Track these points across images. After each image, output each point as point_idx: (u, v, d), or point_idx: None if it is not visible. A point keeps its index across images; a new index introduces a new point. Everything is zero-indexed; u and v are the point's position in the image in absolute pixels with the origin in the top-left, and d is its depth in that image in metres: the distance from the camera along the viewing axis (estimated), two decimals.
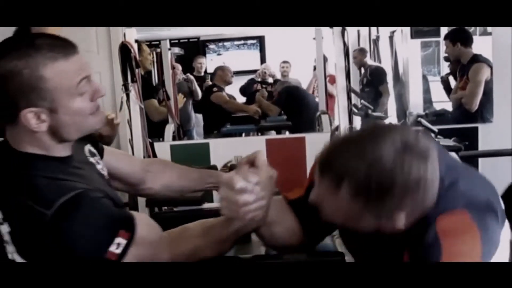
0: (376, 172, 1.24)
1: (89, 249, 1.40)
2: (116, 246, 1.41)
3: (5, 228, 1.43)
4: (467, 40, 4.66)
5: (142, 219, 1.51)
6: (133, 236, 1.44)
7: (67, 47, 1.44)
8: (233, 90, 6.62)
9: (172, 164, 2.03)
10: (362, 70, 5.51)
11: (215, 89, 6.09)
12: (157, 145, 4.01)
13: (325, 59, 5.33)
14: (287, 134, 5.49)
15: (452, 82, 4.91)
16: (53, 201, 1.37)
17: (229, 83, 6.30)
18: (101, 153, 1.71)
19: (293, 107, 5.95)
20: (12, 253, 1.46)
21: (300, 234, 1.65)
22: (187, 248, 1.55)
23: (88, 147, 1.64)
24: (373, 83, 5.46)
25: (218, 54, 7.44)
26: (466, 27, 4.74)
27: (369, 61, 5.52)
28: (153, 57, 5.00)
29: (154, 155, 3.78)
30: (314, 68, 6.42)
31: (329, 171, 1.30)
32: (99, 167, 1.64)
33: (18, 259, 1.45)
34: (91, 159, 1.63)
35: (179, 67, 5.96)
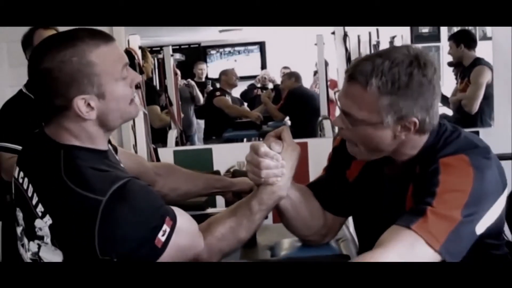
0: (398, 68, 1.49)
1: (141, 234, 1.44)
2: (163, 233, 1.46)
3: (46, 221, 1.46)
4: (471, 43, 4.67)
5: (179, 210, 1.55)
6: (175, 224, 1.49)
7: (105, 35, 1.53)
8: (235, 95, 6.63)
9: (179, 168, 2.06)
10: None
11: (217, 93, 6.09)
12: (160, 150, 4.03)
13: (326, 64, 5.35)
14: None
15: (445, 89, 4.92)
16: (106, 189, 1.41)
17: (234, 85, 6.30)
18: (115, 152, 1.75)
19: (299, 113, 5.94)
20: (39, 250, 1.49)
21: (321, 219, 1.80)
22: (220, 232, 1.60)
23: (110, 147, 1.67)
24: None
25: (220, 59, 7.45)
26: (471, 31, 4.76)
27: None
28: (154, 64, 5.02)
29: (158, 161, 3.80)
30: (315, 73, 6.43)
31: (359, 72, 1.51)
32: (122, 166, 1.67)
33: (47, 254, 1.48)
34: (116, 157, 1.67)
35: (178, 73, 5.98)
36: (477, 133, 4.27)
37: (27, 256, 1.55)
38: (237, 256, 1.82)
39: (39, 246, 1.50)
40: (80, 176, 1.44)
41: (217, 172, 3.55)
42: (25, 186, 1.52)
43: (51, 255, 1.48)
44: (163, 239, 1.45)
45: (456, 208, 1.43)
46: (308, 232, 1.81)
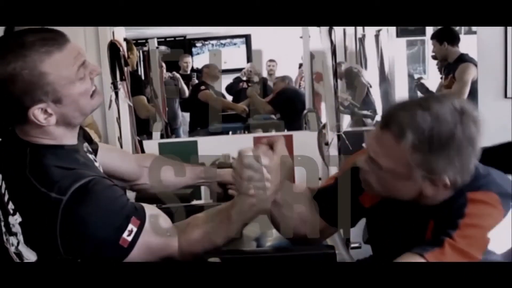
0: (438, 126, 1.39)
1: (104, 235, 1.42)
2: (128, 233, 1.43)
3: (16, 219, 1.44)
4: (454, 39, 4.68)
5: (151, 209, 1.53)
6: (143, 224, 1.46)
7: (58, 38, 1.47)
8: (220, 89, 6.61)
9: (166, 159, 2.05)
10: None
11: (202, 87, 6.07)
12: (145, 143, 4.01)
13: (312, 57, 5.34)
14: (274, 132, 5.51)
15: (431, 83, 4.94)
16: (67, 188, 1.39)
17: (216, 77, 6.25)
18: (95, 152, 1.73)
19: (288, 109, 5.95)
20: (18, 245, 1.48)
21: (311, 223, 1.73)
22: (196, 236, 1.57)
23: (86, 145, 1.66)
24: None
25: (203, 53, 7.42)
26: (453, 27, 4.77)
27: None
28: (139, 56, 4.99)
29: (143, 153, 3.78)
30: (300, 66, 6.43)
31: (394, 122, 1.41)
32: (96, 164, 1.66)
33: (25, 250, 1.46)
34: (90, 156, 1.65)
35: (163, 65, 5.95)
36: None
37: (11, 250, 1.54)
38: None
39: (18, 242, 1.51)
40: (44, 174, 1.43)
41: (203, 165, 3.55)
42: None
43: (28, 252, 1.49)
44: (129, 239, 1.44)
45: (479, 248, 1.34)
46: (295, 237, 1.75)
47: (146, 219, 1.47)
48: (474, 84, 4.45)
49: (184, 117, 6.18)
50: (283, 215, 1.69)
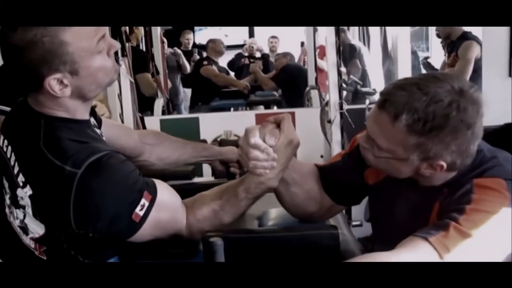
0: (434, 108, 1.33)
1: (117, 209, 1.41)
2: (141, 207, 1.43)
3: (26, 192, 1.44)
4: None
5: (162, 184, 1.52)
6: (155, 199, 1.46)
7: None
8: (222, 64, 6.59)
9: (167, 136, 2.03)
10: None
11: (205, 62, 6.04)
12: (147, 119, 4.00)
13: (315, 30, 5.32)
14: (275, 109, 5.51)
15: (434, 61, 4.92)
16: (82, 161, 1.38)
17: (221, 53, 6.25)
18: (99, 125, 1.72)
19: (291, 85, 5.94)
20: (24, 218, 1.48)
21: (318, 201, 1.70)
22: (203, 213, 1.56)
23: (92, 120, 1.65)
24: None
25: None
26: None
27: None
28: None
29: (145, 129, 3.78)
30: (302, 44, 6.41)
31: (390, 103, 1.37)
32: (104, 139, 1.65)
33: (31, 223, 1.47)
34: (98, 131, 1.64)
35: (165, 41, 5.92)
36: None
37: (15, 224, 1.54)
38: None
39: (24, 215, 1.49)
40: (58, 147, 1.42)
41: (204, 142, 3.55)
42: (8, 155, 1.50)
43: (35, 225, 1.48)
44: (141, 213, 1.43)
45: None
46: (302, 215, 1.75)
47: (157, 194, 1.48)
48: (478, 62, 4.41)
49: (185, 93, 6.17)
50: (290, 192, 1.67)
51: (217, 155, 2.02)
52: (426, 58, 5.12)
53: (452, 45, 4.73)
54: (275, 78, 6.14)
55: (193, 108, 5.92)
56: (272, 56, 6.93)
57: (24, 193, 1.45)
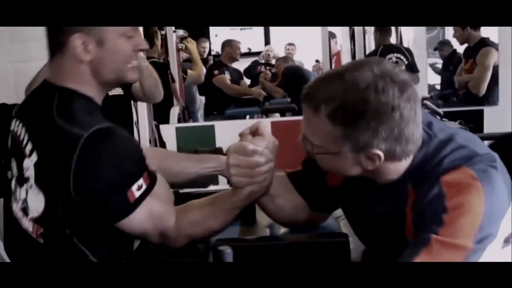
0: (351, 95, 1.27)
1: (116, 178, 1.42)
2: (138, 187, 1.43)
3: (32, 160, 1.47)
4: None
5: (161, 177, 1.53)
6: (153, 185, 1.47)
7: None
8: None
9: (170, 152, 2.04)
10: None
11: (215, 72, 5.99)
12: (162, 127, 4.01)
13: (332, 36, 5.30)
14: (291, 117, 5.49)
15: None
16: (90, 126, 1.41)
17: (235, 60, 6.19)
18: None
19: (297, 87, 5.92)
20: (27, 195, 1.50)
21: (304, 209, 1.68)
22: (193, 217, 1.57)
23: None
24: None
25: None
26: None
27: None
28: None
29: (160, 138, 3.79)
30: (317, 61, 6.43)
31: (310, 96, 1.33)
32: None
33: (32, 198, 1.49)
34: None
35: None
36: (481, 111, 4.25)
37: (17, 208, 1.55)
38: (235, 233, 1.81)
39: (27, 191, 1.51)
40: (70, 114, 1.45)
41: (220, 149, 3.54)
42: (19, 132, 1.54)
43: (36, 199, 1.49)
44: (136, 194, 1.43)
45: (468, 236, 1.24)
46: (294, 223, 1.73)
47: (156, 183, 1.49)
48: (496, 68, 4.40)
49: (201, 101, 6.17)
50: (276, 205, 1.66)
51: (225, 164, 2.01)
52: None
53: (470, 51, 4.71)
54: (279, 84, 6.14)
55: (207, 116, 5.92)
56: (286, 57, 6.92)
57: (30, 162, 1.47)
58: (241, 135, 1.56)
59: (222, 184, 2.94)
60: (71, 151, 1.38)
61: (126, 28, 1.51)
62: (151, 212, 1.47)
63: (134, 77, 1.60)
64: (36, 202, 1.49)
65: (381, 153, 1.31)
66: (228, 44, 6.18)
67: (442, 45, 5.60)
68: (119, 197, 1.42)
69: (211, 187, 2.82)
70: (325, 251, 1.47)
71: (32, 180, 1.48)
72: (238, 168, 1.53)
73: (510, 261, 1.32)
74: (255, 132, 1.56)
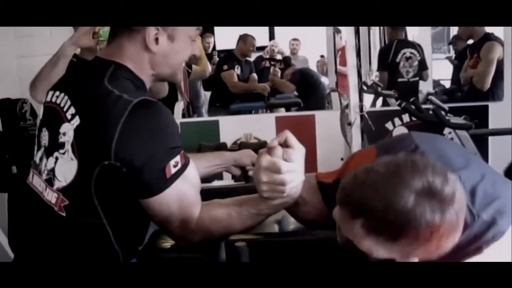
0: (391, 216, 1.17)
1: (157, 147, 1.44)
2: (175, 163, 1.45)
3: (73, 123, 1.48)
4: None
5: (192, 162, 1.53)
6: (186, 166, 1.48)
7: None
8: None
9: None
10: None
11: (225, 67, 5.99)
12: None
13: (338, 31, 5.30)
14: (296, 112, 5.49)
15: None
16: (140, 95, 1.47)
17: (247, 56, 6.18)
18: None
19: (305, 89, 5.93)
20: (56, 164, 1.51)
21: (328, 214, 1.65)
22: (218, 213, 1.56)
23: None
24: None
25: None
26: None
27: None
28: None
29: None
30: (322, 56, 6.43)
31: (348, 205, 1.24)
32: None
33: (62, 166, 1.50)
34: None
35: None
36: (486, 107, 4.24)
37: (39, 182, 1.56)
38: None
39: (56, 160, 1.52)
40: (121, 83, 1.49)
41: (224, 144, 3.55)
42: (58, 100, 1.55)
43: (66, 168, 1.49)
44: (172, 170, 1.45)
45: None
46: (320, 226, 1.68)
47: (188, 166, 1.50)
48: (500, 63, 4.38)
49: (206, 96, 6.16)
50: (302, 212, 1.63)
51: (230, 161, 2.02)
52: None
53: (474, 46, 4.69)
54: (292, 80, 6.15)
55: (211, 110, 5.91)
56: (294, 58, 6.92)
57: (71, 126, 1.48)
58: (269, 147, 1.51)
59: (227, 180, 2.94)
60: (119, 115, 1.42)
61: (193, 32, 1.59)
62: (181, 195, 1.48)
63: (180, 78, 1.64)
64: (67, 170, 1.49)
65: (416, 259, 1.23)
66: (243, 39, 6.15)
67: (456, 40, 5.57)
68: (157, 170, 1.44)
69: (215, 183, 2.83)
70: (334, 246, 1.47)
71: (67, 146, 1.49)
72: (270, 185, 1.50)
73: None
74: (283, 143, 1.52)
